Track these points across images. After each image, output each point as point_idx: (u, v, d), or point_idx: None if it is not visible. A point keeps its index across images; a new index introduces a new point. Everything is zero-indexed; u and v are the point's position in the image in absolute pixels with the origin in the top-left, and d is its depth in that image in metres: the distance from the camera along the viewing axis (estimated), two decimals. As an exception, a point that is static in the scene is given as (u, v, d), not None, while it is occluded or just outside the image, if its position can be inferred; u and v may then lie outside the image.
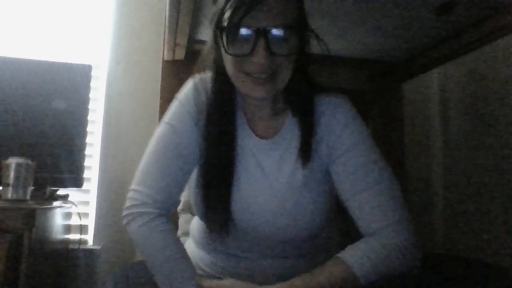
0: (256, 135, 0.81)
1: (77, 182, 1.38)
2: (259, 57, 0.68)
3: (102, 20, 1.71)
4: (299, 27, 0.72)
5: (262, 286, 0.68)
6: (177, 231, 1.21)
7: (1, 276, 0.93)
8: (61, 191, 1.36)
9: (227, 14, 0.69)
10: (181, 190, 0.83)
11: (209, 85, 0.81)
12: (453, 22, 1.27)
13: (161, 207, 0.78)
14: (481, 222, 1.58)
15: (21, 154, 1.12)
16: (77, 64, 1.45)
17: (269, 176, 0.79)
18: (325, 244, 0.87)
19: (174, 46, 1.42)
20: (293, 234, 0.79)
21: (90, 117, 1.45)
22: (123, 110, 1.66)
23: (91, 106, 1.46)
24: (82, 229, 1.48)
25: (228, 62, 0.74)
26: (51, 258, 1.22)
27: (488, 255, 1.50)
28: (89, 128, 1.45)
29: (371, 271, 0.67)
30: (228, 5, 0.69)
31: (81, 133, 1.40)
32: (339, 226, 0.93)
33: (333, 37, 1.39)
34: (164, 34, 1.42)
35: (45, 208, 1.11)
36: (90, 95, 1.44)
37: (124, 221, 0.78)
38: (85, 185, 1.48)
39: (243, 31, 0.69)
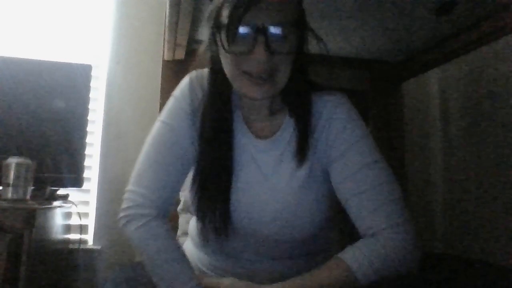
0: (253, 135, 0.80)
1: (77, 182, 1.38)
2: (259, 55, 0.67)
3: (102, 20, 1.71)
4: (298, 25, 0.71)
5: (262, 285, 0.68)
6: (176, 231, 1.21)
7: (1, 276, 0.93)
8: (61, 191, 1.36)
9: (225, 12, 0.68)
10: (178, 190, 0.82)
11: (205, 81, 0.80)
12: (453, 22, 1.27)
13: (158, 208, 0.77)
14: (481, 222, 1.58)
15: (21, 154, 1.12)
16: (77, 64, 1.45)
17: (268, 177, 0.79)
18: (325, 244, 0.87)
19: (174, 46, 1.42)
20: (292, 235, 0.78)
21: (90, 117, 1.45)
22: (123, 110, 1.67)
23: (91, 106, 1.46)
24: (82, 229, 1.48)
25: (227, 61, 0.72)
26: (51, 258, 1.22)
27: (488, 255, 1.50)
28: (89, 128, 1.45)
29: (371, 271, 0.67)
30: (226, 3, 0.68)
31: (81, 133, 1.40)
32: (339, 226, 0.93)
33: (333, 37, 1.39)
34: (164, 34, 1.42)
35: (45, 208, 1.11)
36: (90, 95, 1.44)
37: (121, 223, 0.77)
38: (85, 185, 1.48)
39: (243, 29, 0.68)
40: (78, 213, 1.46)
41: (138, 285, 0.82)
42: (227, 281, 0.71)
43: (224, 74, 0.74)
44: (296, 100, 0.79)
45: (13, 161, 1.09)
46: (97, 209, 1.59)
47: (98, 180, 1.61)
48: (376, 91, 1.77)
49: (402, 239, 0.70)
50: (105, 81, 1.68)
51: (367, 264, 0.67)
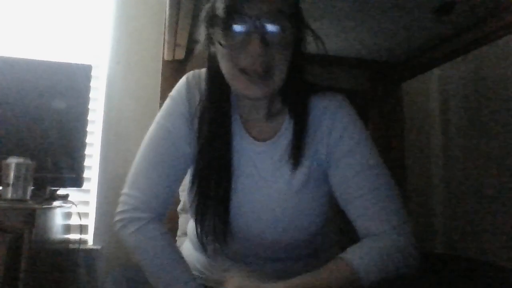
0: (252, 138, 0.79)
1: (77, 182, 1.37)
2: (255, 48, 0.66)
3: (102, 20, 1.71)
4: (294, 18, 0.70)
5: (265, 284, 0.67)
6: (175, 232, 1.21)
7: (1, 276, 0.93)
8: (61, 191, 1.36)
9: (220, 6, 0.68)
10: (174, 192, 0.81)
11: (203, 82, 0.80)
12: (453, 22, 1.27)
13: (154, 211, 0.76)
14: (481, 222, 1.57)
15: (21, 154, 1.12)
16: (77, 64, 1.45)
17: (267, 179, 0.78)
18: (324, 245, 0.87)
19: (174, 46, 1.42)
20: (292, 237, 0.78)
21: (90, 117, 1.45)
22: (123, 110, 1.67)
23: (91, 106, 1.45)
24: (82, 229, 1.48)
25: (223, 59, 0.72)
26: (51, 258, 1.22)
27: (488, 255, 1.50)
28: (89, 128, 1.45)
29: (373, 272, 0.67)
30: None
31: (81, 133, 1.40)
32: (338, 226, 0.93)
33: (333, 37, 1.39)
34: (164, 34, 1.41)
35: (45, 208, 1.11)
36: (90, 95, 1.44)
37: (117, 227, 0.76)
38: (85, 185, 1.48)
39: (237, 21, 0.67)
40: (78, 213, 1.46)
41: (138, 285, 0.81)
42: (231, 281, 0.70)
43: (221, 75, 0.74)
44: (296, 101, 0.79)
45: (13, 161, 1.09)
46: (97, 209, 1.59)
47: (98, 180, 1.61)
48: (376, 91, 1.76)
49: (403, 241, 0.70)
50: (105, 81, 1.68)
51: (370, 264, 0.67)
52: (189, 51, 1.47)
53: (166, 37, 1.38)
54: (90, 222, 1.60)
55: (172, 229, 1.19)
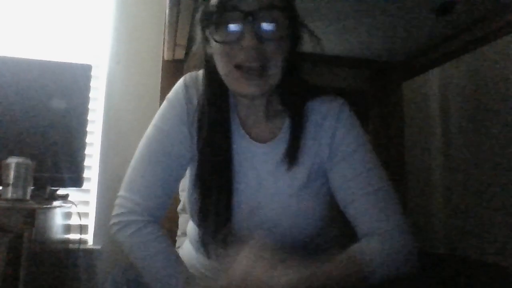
0: (252, 139, 0.79)
1: (77, 182, 1.38)
2: (248, 42, 0.66)
3: (102, 20, 1.71)
4: (287, 12, 0.70)
5: (276, 273, 0.62)
6: (175, 232, 1.21)
7: (1, 276, 0.93)
8: (61, 191, 1.36)
9: (214, 2, 0.68)
10: (171, 195, 0.80)
11: (200, 84, 0.79)
12: (453, 22, 1.27)
13: (151, 214, 0.75)
14: (481, 222, 1.57)
15: (21, 154, 1.12)
16: (77, 64, 1.45)
17: (267, 181, 0.78)
18: (324, 245, 0.87)
19: (174, 46, 1.42)
20: (293, 237, 0.78)
21: (90, 117, 1.45)
22: (123, 110, 1.67)
23: (91, 106, 1.46)
24: (82, 229, 1.48)
25: (219, 56, 0.71)
26: (51, 258, 1.22)
27: (488, 255, 1.50)
28: (89, 128, 1.45)
29: (376, 269, 0.67)
30: None
31: (81, 133, 1.40)
32: (339, 226, 0.93)
33: (333, 37, 1.39)
34: (164, 34, 1.42)
35: (45, 208, 1.11)
36: (90, 95, 1.44)
37: (113, 230, 0.76)
38: (85, 185, 1.48)
39: (231, 17, 0.67)
40: (78, 213, 1.46)
41: (138, 285, 0.81)
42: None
43: (219, 76, 0.73)
44: (293, 101, 0.79)
45: (13, 161, 1.09)
46: (97, 209, 1.59)
47: (98, 180, 1.61)
48: (376, 91, 1.76)
49: (404, 240, 0.71)
50: (105, 81, 1.68)
51: (376, 262, 0.67)
52: (189, 51, 1.47)
53: (166, 37, 1.38)
54: (90, 222, 1.60)
55: (172, 229, 1.19)
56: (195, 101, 0.79)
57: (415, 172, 1.82)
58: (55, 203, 1.27)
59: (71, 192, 1.43)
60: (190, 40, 1.40)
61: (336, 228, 0.93)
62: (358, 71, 1.76)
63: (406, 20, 1.26)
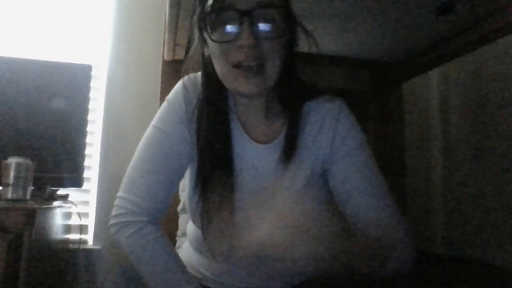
0: (252, 140, 0.79)
1: (77, 182, 1.37)
2: (245, 40, 0.66)
3: (102, 20, 1.71)
4: (283, 10, 0.70)
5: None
6: (173, 232, 1.21)
7: (1, 276, 0.93)
8: (61, 191, 1.36)
9: (210, 2, 0.69)
10: (170, 196, 0.80)
11: (199, 85, 0.79)
12: (453, 22, 1.27)
13: (150, 215, 0.75)
14: (481, 222, 1.57)
15: (21, 154, 1.12)
16: (77, 64, 1.45)
17: (268, 182, 0.78)
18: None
19: (174, 46, 1.42)
20: (294, 237, 0.78)
21: (90, 117, 1.45)
22: (123, 110, 1.67)
23: (91, 106, 1.46)
24: (82, 229, 1.48)
25: (216, 57, 0.72)
26: (51, 258, 1.22)
27: (488, 255, 1.50)
28: (89, 128, 1.45)
29: (389, 259, 0.67)
30: None
31: (81, 133, 1.40)
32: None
33: (333, 37, 1.39)
34: (164, 34, 1.42)
35: (45, 208, 1.11)
36: (90, 95, 1.44)
37: (112, 230, 0.76)
38: (85, 185, 1.48)
39: (227, 16, 0.68)
40: (78, 213, 1.46)
41: (138, 285, 0.81)
42: None
43: (217, 77, 0.74)
44: (290, 102, 0.79)
45: (13, 161, 1.09)
46: (97, 209, 1.59)
47: (98, 180, 1.61)
48: (376, 91, 1.76)
49: (402, 238, 0.71)
50: (105, 81, 1.68)
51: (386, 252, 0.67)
52: (189, 51, 1.47)
53: (166, 37, 1.38)
54: (90, 222, 1.60)
55: (172, 229, 1.19)
56: (194, 102, 0.79)
57: (415, 172, 1.82)
58: (55, 203, 1.26)
59: (71, 192, 1.43)
60: (190, 40, 1.40)
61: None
62: (358, 71, 1.76)
63: (406, 20, 1.26)
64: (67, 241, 1.47)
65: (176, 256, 0.76)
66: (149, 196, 0.76)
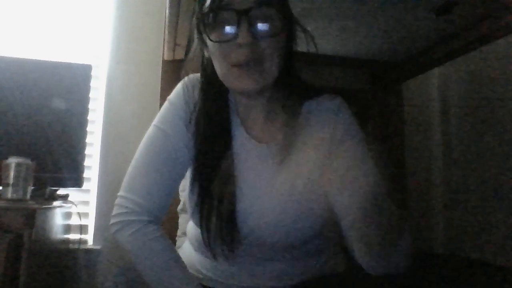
0: (253, 139, 0.80)
1: (77, 182, 1.37)
2: (244, 40, 0.67)
3: (102, 20, 1.71)
4: (281, 8, 0.70)
5: None
6: (173, 232, 1.21)
7: (1, 276, 0.93)
8: (61, 191, 1.36)
9: (207, 2, 0.69)
10: (171, 195, 0.81)
11: (199, 86, 0.80)
12: (453, 22, 1.27)
13: (151, 215, 0.76)
14: (481, 222, 1.57)
15: (21, 154, 1.12)
16: (77, 64, 1.45)
17: (268, 182, 0.78)
18: (324, 244, 0.87)
19: (174, 46, 1.42)
20: (294, 237, 0.78)
21: (90, 117, 1.45)
22: (123, 110, 1.66)
23: (91, 106, 1.46)
24: (82, 229, 1.48)
25: (215, 57, 0.72)
26: (51, 258, 1.22)
27: (488, 255, 1.50)
28: (89, 128, 1.45)
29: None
30: None
31: (81, 133, 1.40)
32: (337, 227, 0.93)
33: (333, 37, 1.39)
34: (164, 34, 1.42)
35: (45, 208, 1.11)
36: (90, 95, 1.44)
37: (113, 229, 0.76)
38: (85, 185, 1.48)
39: (225, 15, 0.68)
40: (78, 213, 1.46)
41: (138, 285, 0.81)
42: None
43: (217, 77, 0.74)
44: (290, 101, 0.79)
45: (13, 161, 1.09)
46: (97, 209, 1.59)
47: (98, 180, 1.61)
48: (376, 91, 1.77)
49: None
50: (105, 81, 1.68)
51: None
52: (189, 51, 1.47)
53: (166, 37, 1.38)
54: (90, 222, 1.60)
55: (172, 229, 1.19)
56: (195, 102, 0.80)
57: (415, 172, 1.82)
58: (55, 203, 1.26)
59: (71, 192, 1.43)
60: (190, 40, 1.40)
61: (337, 229, 0.93)
62: (358, 71, 1.76)
63: (406, 20, 1.26)
64: (67, 241, 1.47)
65: (177, 255, 0.76)
66: (149, 195, 0.76)
